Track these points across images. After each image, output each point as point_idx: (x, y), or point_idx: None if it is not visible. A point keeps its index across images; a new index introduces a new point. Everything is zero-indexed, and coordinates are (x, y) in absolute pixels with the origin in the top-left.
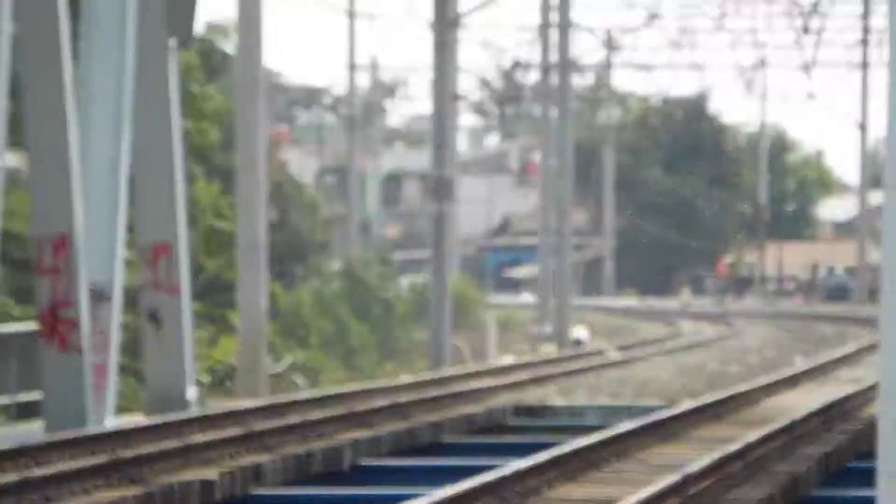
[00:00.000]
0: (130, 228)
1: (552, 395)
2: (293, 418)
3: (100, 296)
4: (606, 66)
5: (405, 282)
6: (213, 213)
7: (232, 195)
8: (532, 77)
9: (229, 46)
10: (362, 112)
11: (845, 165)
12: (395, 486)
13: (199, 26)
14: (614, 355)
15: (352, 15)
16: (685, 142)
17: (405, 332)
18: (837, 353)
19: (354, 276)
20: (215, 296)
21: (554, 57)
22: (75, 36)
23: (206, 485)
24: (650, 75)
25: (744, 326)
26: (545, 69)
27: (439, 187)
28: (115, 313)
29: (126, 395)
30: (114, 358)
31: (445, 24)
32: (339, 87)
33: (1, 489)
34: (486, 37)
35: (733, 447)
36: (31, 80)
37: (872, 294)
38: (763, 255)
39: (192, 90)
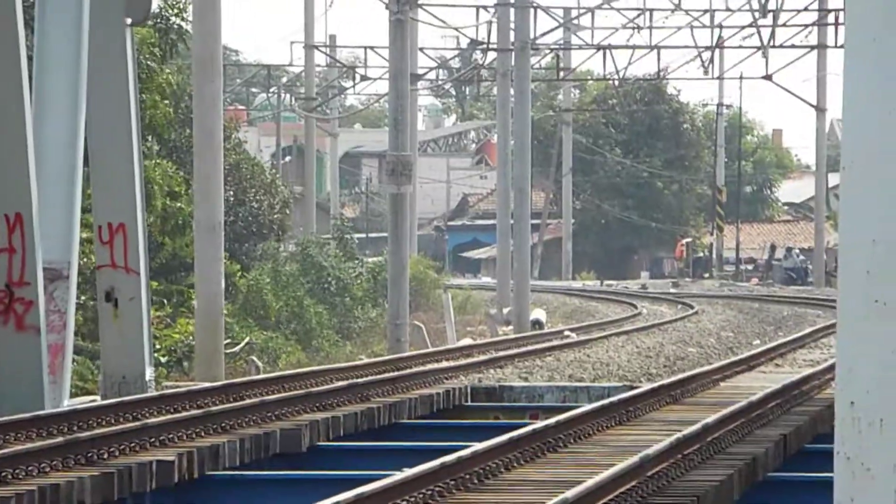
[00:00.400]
0: (87, 208)
1: (511, 377)
2: (251, 399)
3: (56, 275)
4: (564, 47)
5: (369, 262)
6: (167, 193)
7: (186, 173)
8: (490, 57)
9: (186, 24)
10: (320, 92)
11: (803, 145)
12: (353, 468)
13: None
14: (573, 337)
15: None
16: (643, 123)
17: (363, 313)
18: (795, 334)
19: (310, 256)
20: (172, 275)
21: (511, 37)
22: (30, 14)
23: (164, 465)
24: (608, 56)
25: (701, 308)
26: (502, 49)
27: (397, 168)
28: (72, 293)
29: (83, 376)
30: (70, 338)
31: (402, 3)
32: (297, 66)
33: None
34: (444, 17)
35: (691, 429)
36: None
37: (830, 276)
38: (720, 237)
39: (148, 64)
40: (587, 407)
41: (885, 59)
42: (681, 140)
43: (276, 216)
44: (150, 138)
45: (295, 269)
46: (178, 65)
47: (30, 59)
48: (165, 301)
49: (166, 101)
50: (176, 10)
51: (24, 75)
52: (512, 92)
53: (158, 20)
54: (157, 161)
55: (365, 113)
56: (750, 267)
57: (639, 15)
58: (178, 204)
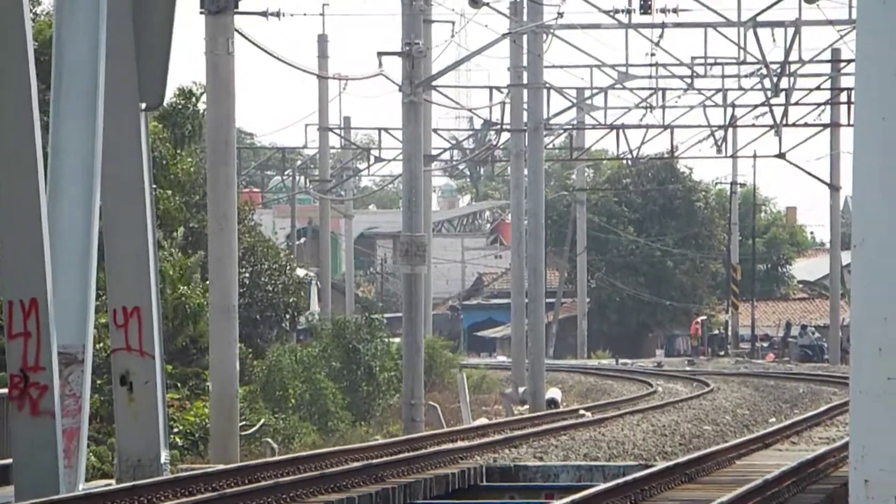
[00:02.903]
0: (102, 291)
1: (526, 456)
2: (265, 481)
3: (71, 359)
4: (577, 127)
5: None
6: (179, 281)
7: (203, 258)
8: (504, 137)
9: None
10: (334, 173)
11: (818, 223)
12: None
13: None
14: (588, 415)
15: (322, 77)
16: (657, 202)
17: (385, 401)
18: (810, 412)
19: (344, 338)
20: (187, 358)
21: (525, 118)
22: (46, 101)
23: None
24: (621, 135)
25: (717, 385)
26: (515, 130)
27: (411, 248)
28: (87, 377)
29: (101, 458)
30: (86, 422)
31: (415, 85)
32: (311, 148)
33: None
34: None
35: None
36: (1, 145)
37: (845, 353)
38: (736, 315)
39: (159, 156)
40: (602, 486)
41: (894, 139)
42: (694, 218)
43: (291, 300)
44: (161, 229)
45: (315, 351)
46: (194, 149)
47: (44, 141)
48: (179, 384)
49: (178, 197)
50: (188, 97)
51: (40, 160)
52: (526, 172)
53: (171, 112)
54: (171, 251)
55: (379, 194)
56: (765, 344)
57: (651, 94)
58: (187, 289)
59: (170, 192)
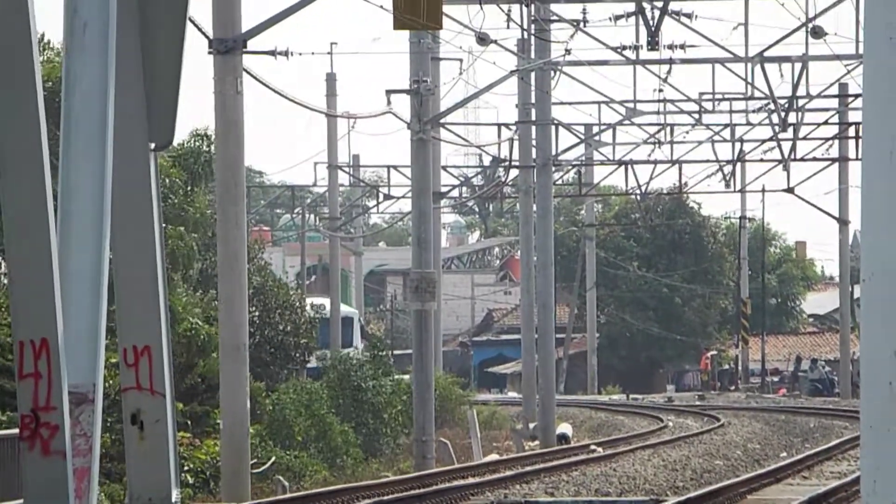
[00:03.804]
0: (112, 330)
1: (537, 492)
2: None
3: (82, 399)
4: (586, 163)
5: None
6: (191, 316)
7: (214, 297)
8: (512, 174)
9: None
10: (344, 211)
11: (827, 257)
12: None
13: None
14: (599, 451)
15: (331, 115)
16: (665, 237)
17: (392, 437)
18: (821, 446)
19: (347, 377)
20: (198, 397)
21: (533, 154)
22: (54, 140)
23: None
24: (629, 171)
25: (727, 420)
26: (524, 166)
27: (421, 285)
28: (97, 416)
29: (113, 497)
30: (97, 462)
31: (423, 123)
32: (321, 186)
33: None
34: (466, 135)
35: None
36: (9, 184)
37: (856, 387)
38: (746, 349)
39: (174, 196)
40: None
41: None
42: (703, 254)
43: (301, 341)
44: (172, 269)
45: (319, 387)
46: (206, 189)
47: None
48: (190, 422)
49: (194, 234)
50: (205, 139)
51: (50, 201)
52: (535, 208)
53: (184, 153)
54: (185, 291)
55: (388, 231)
56: (776, 379)
57: (659, 130)
58: (200, 323)
59: (182, 228)
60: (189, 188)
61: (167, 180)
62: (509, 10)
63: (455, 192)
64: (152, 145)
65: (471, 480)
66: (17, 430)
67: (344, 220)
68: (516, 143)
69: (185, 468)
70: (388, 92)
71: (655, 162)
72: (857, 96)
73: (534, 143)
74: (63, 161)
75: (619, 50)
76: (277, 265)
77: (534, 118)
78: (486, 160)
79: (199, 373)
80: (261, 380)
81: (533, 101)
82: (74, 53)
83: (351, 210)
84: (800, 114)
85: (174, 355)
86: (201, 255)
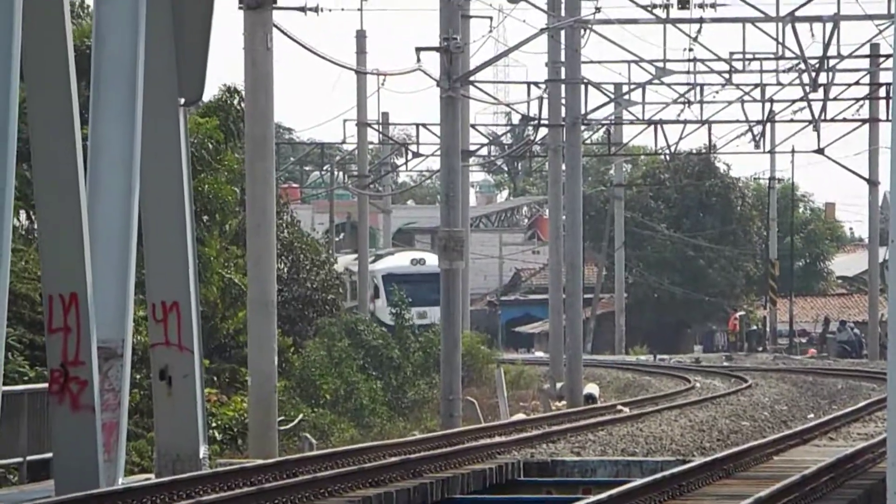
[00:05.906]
0: (142, 286)
1: (563, 451)
2: (303, 476)
3: (111, 354)
4: (615, 122)
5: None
6: (224, 270)
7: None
8: (541, 133)
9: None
10: (373, 169)
11: (856, 218)
12: None
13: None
14: (625, 411)
15: (360, 72)
16: (693, 197)
17: (413, 388)
18: (849, 408)
19: (358, 334)
20: (226, 353)
21: (562, 113)
22: (85, 97)
23: None
24: (658, 131)
25: (755, 381)
26: (553, 125)
27: (449, 244)
28: (126, 372)
29: (141, 453)
30: (125, 417)
31: (453, 80)
32: (350, 144)
33: None
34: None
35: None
36: (40, 140)
37: (884, 349)
38: (774, 310)
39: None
40: (640, 482)
41: None
42: (731, 214)
43: (329, 297)
44: (206, 219)
45: (347, 346)
46: (237, 145)
47: (84, 138)
48: (216, 378)
49: (233, 188)
50: (235, 94)
51: (80, 157)
52: (564, 167)
53: (218, 106)
54: (224, 245)
55: (417, 189)
56: (804, 340)
57: (689, 90)
58: (235, 277)
59: (223, 179)
60: (223, 143)
61: (198, 134)
62: None
63: (484, 151)
64: (182, 101)
65: (497, 439)
66: (45, 385)
67: (373, 178)
68: (545, 102)
69: (213, 425)
70: (418, 49)
71: (685, 122)
72: (888, 56)
73: (563, 101)
74: (93, 117)
75: (649, 8)
76: (306, 223)
77: (563, 77)
78: (515, 119)
79: (232, 327)
80: (289, 336)
81: (563, 59)
82: (105, 10)
83: (380, 168)
84: (830, 74)
85: (207, 305)
86: (237, 210)
